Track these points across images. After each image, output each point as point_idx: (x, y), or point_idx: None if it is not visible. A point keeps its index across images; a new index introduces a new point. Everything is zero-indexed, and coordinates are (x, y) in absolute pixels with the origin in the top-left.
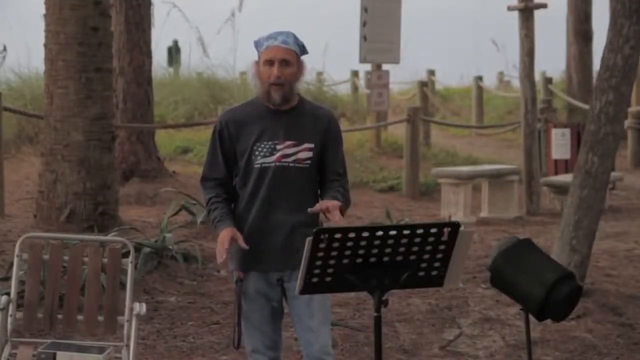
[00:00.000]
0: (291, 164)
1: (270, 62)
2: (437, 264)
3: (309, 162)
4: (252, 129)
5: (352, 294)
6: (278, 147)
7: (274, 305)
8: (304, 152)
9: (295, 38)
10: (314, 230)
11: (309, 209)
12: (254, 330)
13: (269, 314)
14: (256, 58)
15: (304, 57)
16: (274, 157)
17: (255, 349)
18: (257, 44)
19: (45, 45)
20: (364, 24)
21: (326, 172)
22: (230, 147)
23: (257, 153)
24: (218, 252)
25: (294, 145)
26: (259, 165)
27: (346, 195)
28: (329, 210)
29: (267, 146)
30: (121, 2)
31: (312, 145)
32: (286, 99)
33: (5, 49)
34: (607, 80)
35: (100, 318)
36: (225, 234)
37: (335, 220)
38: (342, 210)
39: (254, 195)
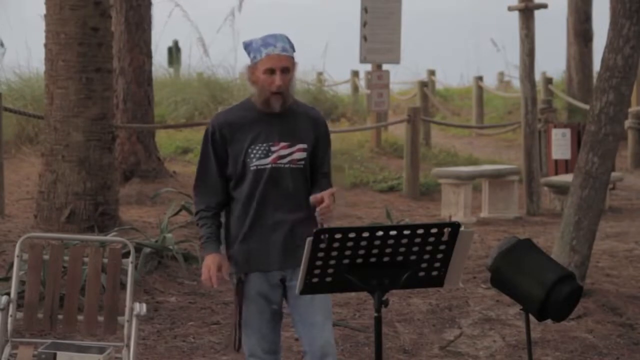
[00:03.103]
0: (286, 165)
1: (271, 71)
2: (437, 264)
3: (302, 162)
4: (247, 132)
5: (353, 294)
6: (273, 148)
7: (273, 308)
8: (298, 153)
9: (290, 41)
10: (314, 230)
11: (311, 198)
12: (252, 334)
13: (269, 317)
14: (249, 62)
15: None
16: (269, 159)
17: (252, 353)
18: (252, 49)
19: (45, 45)
20: (364, 24)
21: (314, 171)
22: (223, 149)
23: (252, 155)
24: (205, 278)
25: (289, 147)
26: (254, 168)
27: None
28: (323, 201)
29: (262, 148)
30: (121, 2)
31: (305, 146)
32: (285, 106)
33: (2, 44)
34: (607, 81)
35: (100, 318)
36: (211, 263)
37: (327, 205)
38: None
39: (250, 198)
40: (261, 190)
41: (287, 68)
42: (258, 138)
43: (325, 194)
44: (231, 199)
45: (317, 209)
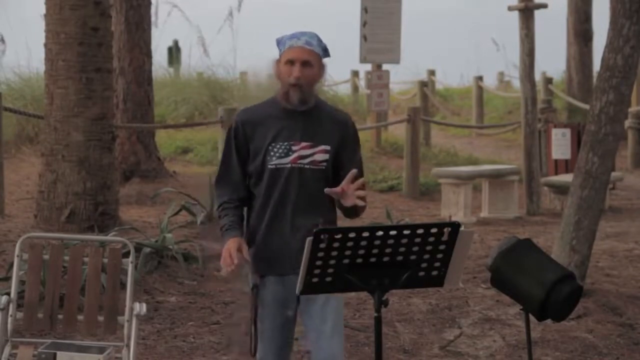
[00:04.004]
0: (307, 166)
1: (291, 62)
2: (437, 264)
3: (324, 164)
4: (268, 129)
5: (352, 294)
6: (294, 148)
7: (288, 314)
8: (320, 154)
9: (319, 40)
10: (314, 230)
11: (326, 190)
12: (264, 338)
13: (282, 323)
14: (277, 57)
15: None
16: (289, 159)
17: (262, 357)
18: (279, 43)
19: (45, 45)
20: (364, 24)
21: (342, 174)
22: (245, 146)
23: (272, 154)
24: (224, 261)
25: (310, 147)
26: (273, 166)
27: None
28: (343, 191)
29: (283, 147)
30: (121, 2)
31: (328, 147)
32: (304, 101)
33: (3, 39)
34: (607, 80)
35: (100, 318)
36: (232, 244)
37: (356, 192)
38: (357, 208)
39: (268, 197)
40: (280, 190)
41: (309, 62)
42: (279, 136)
43: (343, 184)
44: (252, 197)
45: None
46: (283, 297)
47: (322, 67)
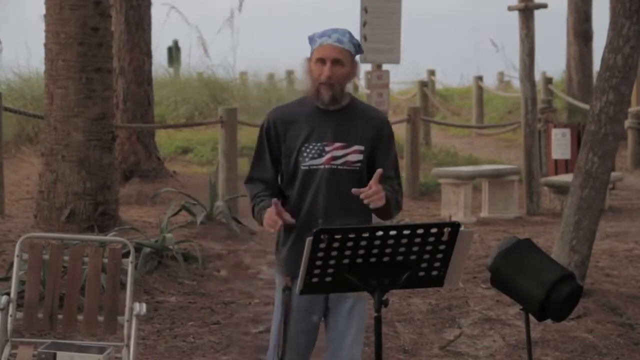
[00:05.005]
0: (340, 167)
1: (322, 61)
2: (437, 264)
3: (358, 164)
4: (301, 129)
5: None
6: (327, 148)
7: (313, 319)
8: (354, 155)
9: (351, 37)
10: (314, 230)
11: (353, 190)
12: (286, 341)
13: (307, 328)
14: (308, 55)
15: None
16: (322, 160)
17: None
18: (311, 40)
19: (45, 45)
20: (364, 24)
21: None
22: (277, 145)
23: (305, 154)
24: (267, 222)
25: (343, 147)
26: (306, 167)
27: (396, 196)
28: (371, 193)
29: (316, 147)
30: (121, 2)
31: (362, 148)
32: (335, 99)
33: None
34: (607, 80)
35: (100, 318)
36: (272, 210)
37: (375, 198)
38: (390, 209)
39: (301, 199)
40: (313, 191)
41: (339, 60)
42: (312, 136)
43: (371, 182)
44: (285, 197)
45: (362, 196)
46: (309, 301)
47: (354, 65)
